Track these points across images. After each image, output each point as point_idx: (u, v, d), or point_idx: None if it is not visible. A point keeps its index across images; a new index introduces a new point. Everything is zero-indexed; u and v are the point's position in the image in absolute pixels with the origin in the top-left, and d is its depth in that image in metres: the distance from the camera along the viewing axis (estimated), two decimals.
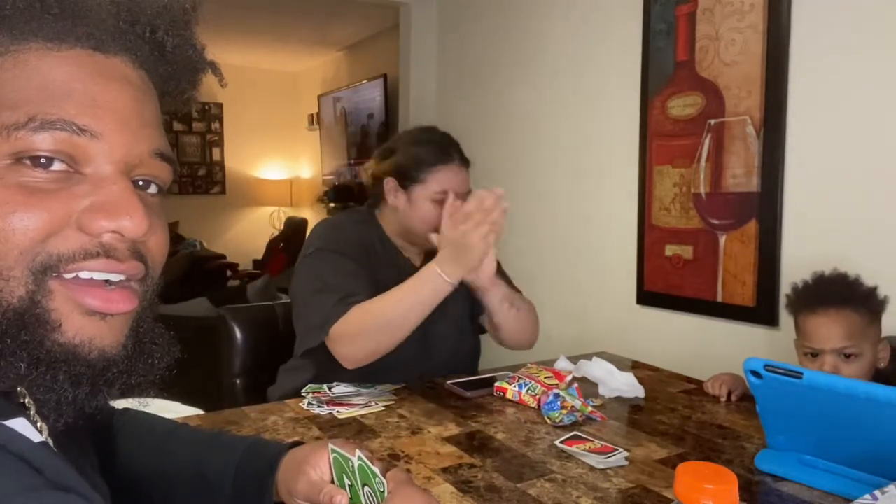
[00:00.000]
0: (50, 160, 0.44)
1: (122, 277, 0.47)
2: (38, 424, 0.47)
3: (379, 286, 1.33)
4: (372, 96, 4.64)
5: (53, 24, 0.45)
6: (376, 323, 1.28)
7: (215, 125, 6.19)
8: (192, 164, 6.11)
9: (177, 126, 6.01)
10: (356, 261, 1.39)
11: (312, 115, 5.86)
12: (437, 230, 1.34)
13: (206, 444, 0.78)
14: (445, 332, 1.48)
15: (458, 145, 1.49)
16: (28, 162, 0.44)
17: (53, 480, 0.41)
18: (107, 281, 0.46)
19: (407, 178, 1.43)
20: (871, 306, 1.19)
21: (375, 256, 1.44)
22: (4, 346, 0.42)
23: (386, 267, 1.43)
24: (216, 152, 6.22)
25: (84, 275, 0.45)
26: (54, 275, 0.44)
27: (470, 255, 1.27)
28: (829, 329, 1.17)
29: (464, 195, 1.40)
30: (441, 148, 1.45)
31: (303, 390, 1.35)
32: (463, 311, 1.54)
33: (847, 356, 1.16)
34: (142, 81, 0.51)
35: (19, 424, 0.44)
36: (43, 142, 0.44)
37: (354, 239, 1.44)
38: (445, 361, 1.50)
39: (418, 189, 1.42)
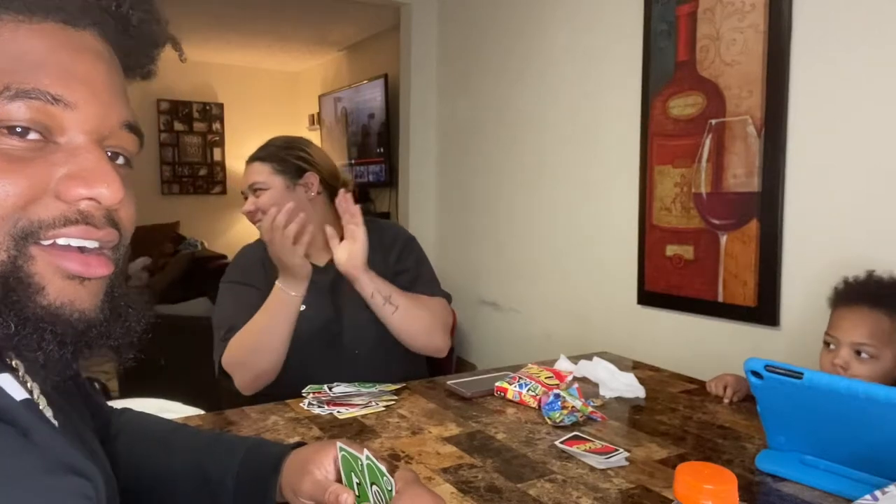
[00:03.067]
0: (26, 130, 0.45)
1: (96, 244, 0.49)
2: (29, 385, 0.47)
3: (270, 288, 1.43)
4: (373, 96, 4.64)
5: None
6: (246, 351, 1.39)
7: (216, 125, 6.19)
8: (193, 164, 6.12)
9: (177, 126, 6.01)
10: (252, 285, 1.50)
11: (313, 115, 5.86)
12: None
13: (208, 444, 0.77)
14: (358, 321, 1.50)
15: (271, 145, 1.58)
16: (4, 130, 0.45)
17: (42, 446, 0.41)
18: (81, 248, 0.48)
19: None
20: None
21: (269, 267, 1.48)
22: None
23: (275, 273, 1.46)
24: (217, 152, 6.22)
25: (62, 241, 0.47)
26: (34, 241, 0.46)
27: (284, 262, 1.36)
28: (853, 322, 1.17)
29: (250, 186, 1.53)
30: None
31: (303, 390, 1.35)
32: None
33: (862, 355, 1.15)
34: (109, 55, 0.52)
35: (5, 381, 0.44)
36: (18, 111, 0.45)
37: (256, 258, 1.56)
38: (368, 351, 1.51)
39: None
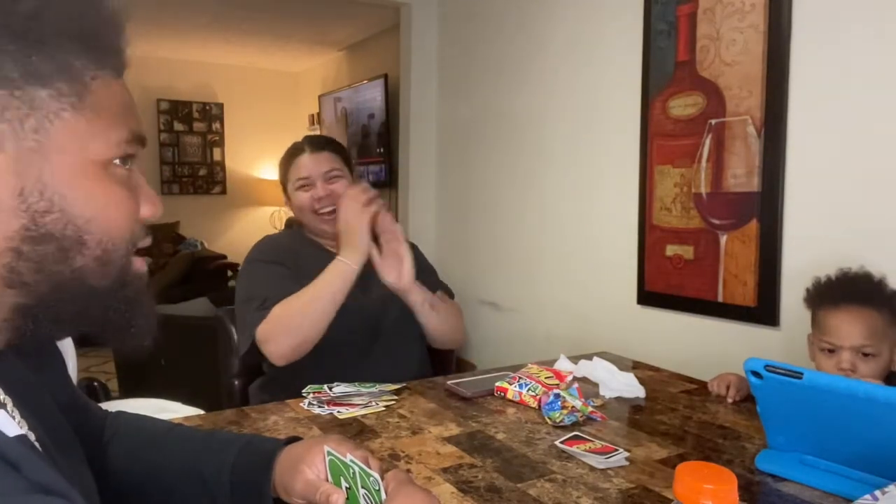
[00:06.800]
0: (125, 160, 0.57)
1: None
2: (17, 419, 0.48)
3: (302, 271, 1.49)
4: (372, 96, 4.64)
5: (115, 58, 0.57)
6: (295, 315, 1.40)
7: (216, 125, 6.19)
8: (193, 164, 6.11)
9: (177, 126, 6.01)
10: (283, 264, 1.53)
11: (313, 115, 5.85)
12: (314, 211, 1.57)
13: (202, 442, 0.78)
14: (387, 316, 1.58)
15: (315, 138, 1.69)
16: (118, 161, 0.56)
17: (31, 478, 0.42)
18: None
19: (283, 186, 1.65)
20: (894, 307, 1.19)
21: (305, 258, 1.56)
22: (113, 296, 0.56)
23: (314, 264, 1.50)
24: (217, 152, 6.22)
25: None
26: (133, 249, 0.58)
27: (354, 236, 1.44)
28: (851, 326, 1.17)
29: (326, 174, 1.58)
30: (293, 148, 1.64)
31: (303, 390, 1.35)
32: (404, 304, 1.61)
33: (865, 355, 1.16)
34: None
35: (1, 417, 0.45)
36: (133, 149, 0.57)
37: (285, 245, 1.63)
38: (392, 345, 1.56)
39: (289, 188, 1.62)
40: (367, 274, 1.54)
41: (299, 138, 1.69)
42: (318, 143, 1.62)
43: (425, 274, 1.66)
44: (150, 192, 0.60)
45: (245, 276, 1.56)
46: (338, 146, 1.65)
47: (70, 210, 0.51)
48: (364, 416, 1.24)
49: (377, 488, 0.65)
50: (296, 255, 1.57)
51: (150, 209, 0.60)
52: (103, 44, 0.55)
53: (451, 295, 1.72)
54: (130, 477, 0.75)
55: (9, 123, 0.49)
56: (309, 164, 1.58)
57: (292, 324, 1.39)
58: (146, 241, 0.60)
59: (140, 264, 0.60)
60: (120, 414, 0.82)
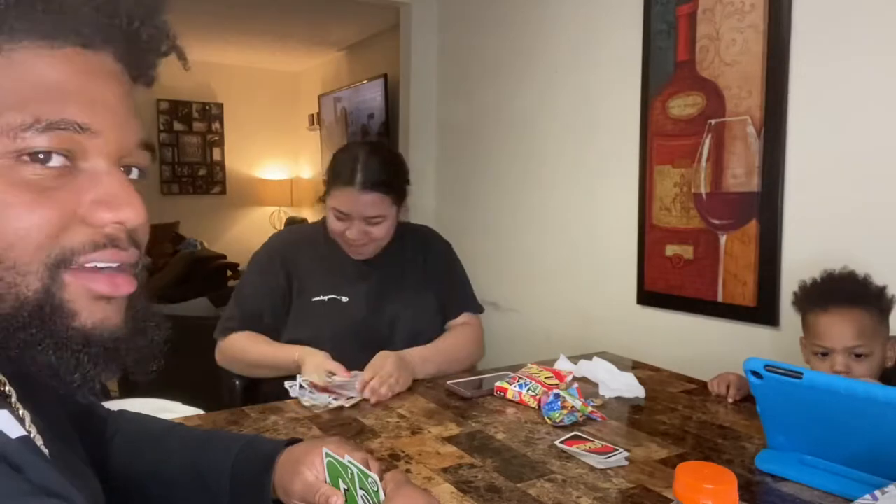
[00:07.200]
0: (48, 155, 0.46)
1: (119, 264, 0.50)
2: (20, 412, 0.47)
3: (300, 279, 1.55)
4: (372, 96, 4.64)
5: (43, 22, 0.46)
6: (239, 360, 1.54)
7: (216, 125, 6.18)
8: (193, 164, 6.11)
9: (177, 126, 6.01)
10: (277, 274, 1.56)
11: (313, 115, 5.85)
12: (343, 240, 1.51)
13: (203, 443, 0.78)
14: (403, 315, 1.58)
15: (374, 165, 1.47)
16: (27, 158, 0.45)
17: (33, 481, 0.41)
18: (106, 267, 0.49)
19: (325, 187, 1.54)
20: (882, 306, 1.19)
21: (315, 254, 1.59)
22: (31, 336, 0.45)
23: (321, 259, 1.58)
24: (217, 152, 6.21)
25: (90, 265, 0.48)
26: (65, 268, 0.47)
27: (322, 371, 1.36)
28: (842, 328, 1.16)
29: (368, 218, 1.47)
30: (348, 167, 1.47)
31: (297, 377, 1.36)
32: (427, 304, 1.63)
33: (858, 356, 1.16)
34: (123, 74, 0.53)
35: (3, 418, 0.44)
36: (44, 140, 0.45)
37: (277, 248, 1.61)
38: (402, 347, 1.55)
39: (328, 200, 1.52)
40: (380, 293, 1.54)
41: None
42: (369, 181, 1.44)
43: (453, 289, 1.68)
44: (116, 192, 0.48)
45: (246, 273, 1.65)
46: (391, 183, 1.48)
47: None
48: (364, 416, 1.24)
49: (375, 489, 0.65)
50: (284, 263, 1.57)
51: (108, 211, 0.48)
52: (49, 8, 0.46)
53: (476, 310, 1.71)
54: (131, 475, 0.75)
55: None
56: (353, 201, 1.45)
57: (235, 361, 1.56)
58: (112, 254, 0.48)
59: (106, 285, 0.48)
60: (121, 413, 0.82)
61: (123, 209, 0.48)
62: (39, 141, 0.45)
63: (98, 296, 0.48)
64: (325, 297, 1.54)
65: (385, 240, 1.54)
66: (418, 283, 1.62)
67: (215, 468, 0.74)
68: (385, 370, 1.34)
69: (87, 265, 0.48)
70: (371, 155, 1.48)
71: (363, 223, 1.47)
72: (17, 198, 0.45)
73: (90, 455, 0.64)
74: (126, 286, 0.50)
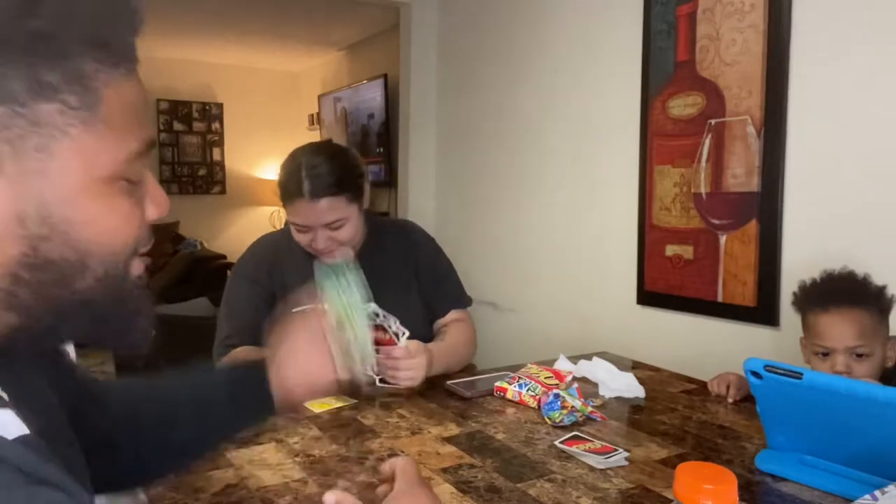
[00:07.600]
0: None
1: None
2: (20, 413, 0.48)
3: (287, 286, 1.43)
4: (372, 96, 4.64)
5: (129, 54, 0.51)
6: None
7: (215, 125, 6.18)
8: (193, 164, 6.11)
9: (177, 126, 6.01)
10: (261, 283, 1.53)
11: (313, 115, 5.85)
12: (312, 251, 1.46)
13: (187, 374, 0.84)
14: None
15: (318, 170, 1.43)
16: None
17: (34, 476, 0.42)
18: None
19: (281, 203, 1.50)
20: (882, 305, 1.19)
21: (287, 261, 1.53)
22: (111, 306, 0.53)
23: (294, 270, 1.49)
24: (216, 152, 6.21)
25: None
26: (134, 255, 0.55)
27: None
28: (842, 328, 1.16)
29: (327, 225, 1.43)
30: (294, 179, 1.43)
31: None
32: (413, 303, 1.60)
33: (859, 356, 1.16)
34: None
35: (6, 417, 0.45)
36: (146, 160, 0.54)
37: (275, 249, 1.58)
38: None
39: (286, 216, 1.49)
40: (377, 291, 1.53)
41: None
42: (318, 187, 1.40)
43: (440, 284, 1.64)
44: (157, 192, 0.57)
45: (226, 291, 1.58)
46: (340, 184, 1.43)
47: (72, 234, 0.48)
48: (363, 415, 1.24)
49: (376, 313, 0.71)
50: (274, 269, 1.53)
51: (156, 210, 0.57)
52: (119, 40, 0.50)
53: (466, 303, 1.67)
54: (132, 424, 0.76)
55: (9, 144, 0.44)
56: (307, 213, 1.42)
57: None
58: (148, 245, 0.57)
59: (138, 267, 0.57)
60: (109, 385, 0.84)
61: (163, 206, 0.57)
62: (141, 162, 0.53)
63: (137, 278, 0.57)
64: (306, 307, 1.51)
65: (355, 239, 1.49)
66: (402, 282, 1.59)
67: (209, 385, 0.81)
68: (416, 360, 1.33)
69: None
70: (313, 159, 1.45)
71: (325, 230, 1.43)
72: (124, 208, 0.52)
73: (94, 439, 0.66)
74: (142, 267, 0.58)
